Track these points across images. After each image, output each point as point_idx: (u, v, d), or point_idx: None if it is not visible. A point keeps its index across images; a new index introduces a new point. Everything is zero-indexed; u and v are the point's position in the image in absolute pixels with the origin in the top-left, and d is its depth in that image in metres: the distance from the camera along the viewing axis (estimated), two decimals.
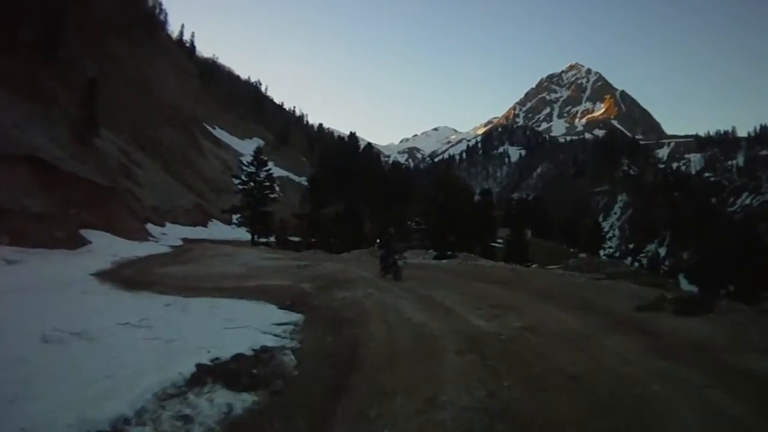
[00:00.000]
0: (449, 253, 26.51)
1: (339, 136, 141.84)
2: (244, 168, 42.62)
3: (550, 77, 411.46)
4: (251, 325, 7.36)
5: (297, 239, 44.95)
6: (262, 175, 42.27)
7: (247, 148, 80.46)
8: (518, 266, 20.81)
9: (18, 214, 20.16)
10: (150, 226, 38.60)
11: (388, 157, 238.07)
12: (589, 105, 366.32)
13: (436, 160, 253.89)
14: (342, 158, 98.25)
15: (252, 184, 41.74)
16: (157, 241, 31.06)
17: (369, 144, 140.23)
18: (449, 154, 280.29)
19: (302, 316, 8.30)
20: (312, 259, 20.55)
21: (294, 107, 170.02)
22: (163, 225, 43.83)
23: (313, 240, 44.59)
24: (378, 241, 14.75)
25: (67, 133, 37.75)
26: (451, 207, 44.67)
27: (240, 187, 42.45)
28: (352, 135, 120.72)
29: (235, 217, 43.80)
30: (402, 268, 12.83)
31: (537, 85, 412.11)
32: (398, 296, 9.76)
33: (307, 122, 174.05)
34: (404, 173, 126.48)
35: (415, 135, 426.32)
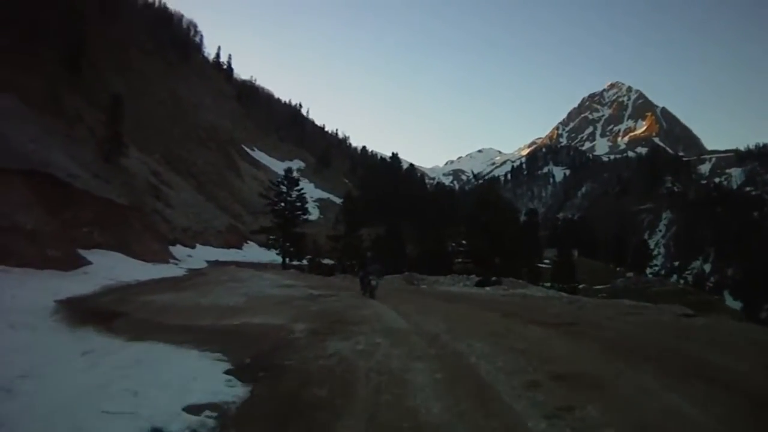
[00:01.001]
0: (494, 278, 22.96)
1: (381, 157, 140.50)
2: (274, 187, 40.33)
3: (592, 96, 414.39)
4: (144, 412, 4.35)
5: (331, 262, 42.08)
6: (294, 194, 39.87)
7: (287, 170, 79.42)
8: (579, 299, 17.06)
9: (7, 231, 18.12)
10: (176, 248, 36.92)
11: (433, 179, 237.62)
12: (630, 123, 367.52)
13: (480, 181, 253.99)
14: (384, 179, 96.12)
15: (283, 204, 39.36)
16: (177, 264, 28.98)
17: (411, 165, 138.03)
18: (494, 175, 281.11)
19: (249, 391, 5.22)
20: (334, 287, 17.63)
21: (336, 130, 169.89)
22: (192, 247, 42.18)
23: (349, 263, 41.62)
24: (359, 264, 15.44)
25: (91, 152, 37.06)
26: (494, 227, 40.94)
27: (270, 207, 40.08)
28: (394, 156, 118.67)
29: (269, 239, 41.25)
30: (375, 288, 14.26)
31: (579, 105, 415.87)
32: (412, 353, 6.63)
33: (350, 145, 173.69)
34: (448, 194, 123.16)
35: (460, 157, 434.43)
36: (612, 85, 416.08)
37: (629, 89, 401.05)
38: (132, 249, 26.71)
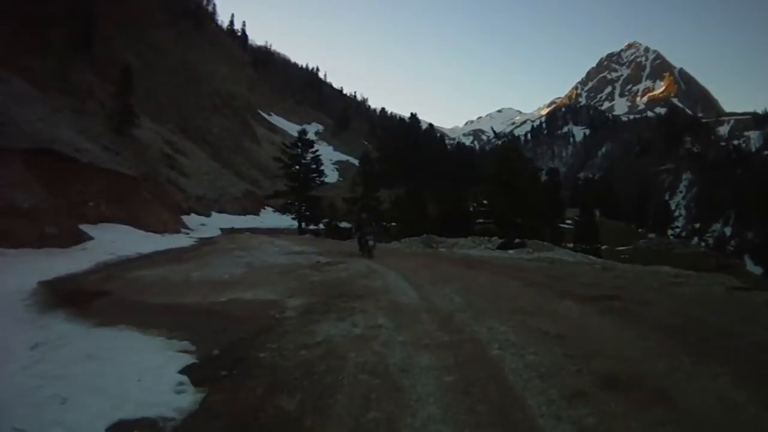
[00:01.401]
0: (517, 240, 21.33)
1: (400, 117, 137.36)
2: (288, 150, 38.87)
3: (610, 56, 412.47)
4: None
5: (348, 226, 40.80)
6: (309, 156, 38.38)
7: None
8: (613, 265, 15.44)
9: (2, 212, 17.21)
10: (191, 217, 36.17)
11: (453, 140, 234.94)
12: (649, 83, 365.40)
13: (503, 139, 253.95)
14: (403, 140, 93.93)
15: (297, 167, 37.95)
16: (188, 234, 28.14)
17: (431, 125, 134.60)
18: (515, 135, 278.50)
19: (200, 400, 3.95)
20: (345, 253, 16.35)
21: (354, 92, 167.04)
22: (208, 215, 41.45)
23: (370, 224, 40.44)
24: (354, 226, 16.17)
25: (102, 125, 36.12)
26: (516, 185, 38.96)
27: (284, 171, 38.72)
28: (413, 116, 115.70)
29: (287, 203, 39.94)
30: (373, 247, 14.86)
31: (597, 64, 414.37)
32: (419, 341, 5.34)
33: (369, 107, 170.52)
34: (469, 154, 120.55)
35: (480, 117, 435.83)
36: (629, 45, 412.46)
37: (647, 49, 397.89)
38: (141, 221, 25.88)
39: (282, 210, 39.16)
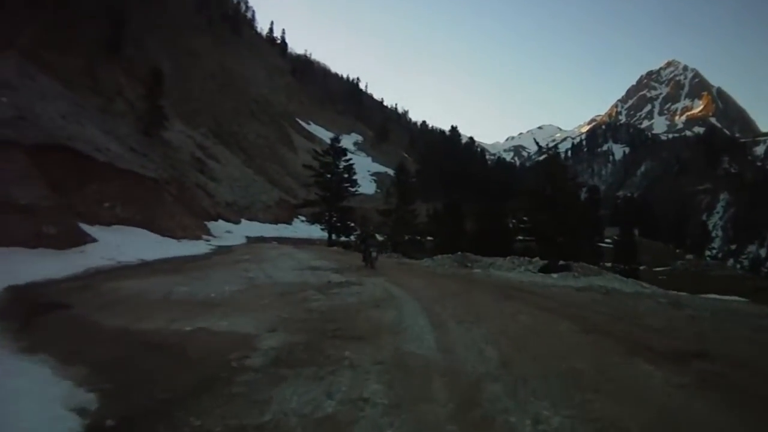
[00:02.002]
0: (561, 263, 18.58)
1: (440, 130, 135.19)
2: (320, 157, 37.13)
3: (649, 74, 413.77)
4: None
5: (381, 238, 38.56)
6: (341, 165, 36.53)
7: (344, 143, 76.91)
8: (677, 297, 12.74)
9: None
10: (218, 224, 34.85)
11: (494, 155, 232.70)
12: (687, 102, 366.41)
13: (541, 158, 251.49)
14: (442, 152, 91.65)
15: (329, 175, 36.12)
16: (209, 241, 26.58)
17: (471, 138, 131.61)
18: (555, 152, 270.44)
19: None
20: (365, 272, 14.05)
21: (396, 105, 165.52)
22: (237, 222, 40.16)
23: (403, 238, 38.02)
24: (359, 238, 16.87)
25: (129, 126, 35.42)
26: (559, 202, 35.89)
27: (314, 179, 36.96)
28: (454, 129, 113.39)
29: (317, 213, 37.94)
30: (376, 259, 15.50)
31: (637, 82, 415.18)
32: None
33: (410, 120, 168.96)
34: (509, 169, 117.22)
35: (521, 133, 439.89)
36: (668, 63, 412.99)
37: (685, 68, 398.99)
38: (160, 225, 24.47)
39: (312, 220, 37.21)
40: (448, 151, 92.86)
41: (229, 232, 33.44)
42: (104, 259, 15.74)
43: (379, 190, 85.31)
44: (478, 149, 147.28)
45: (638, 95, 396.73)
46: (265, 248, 21.99)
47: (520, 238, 39.18)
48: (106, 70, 39.79)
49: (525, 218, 41.52)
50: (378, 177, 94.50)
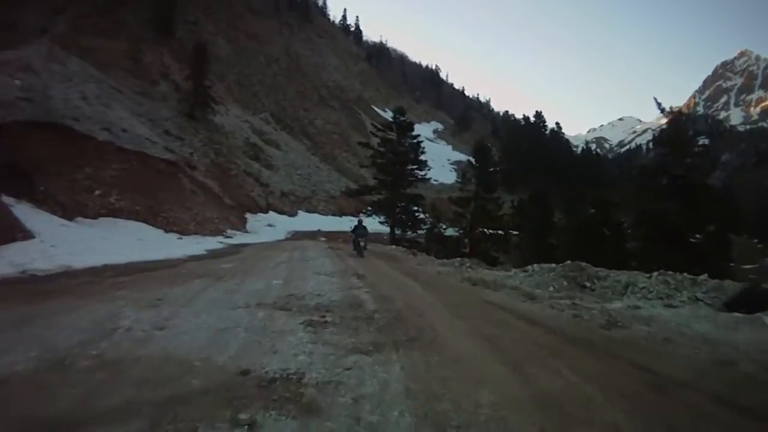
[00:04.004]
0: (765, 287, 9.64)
1: (524, 115, 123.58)
2: (380, 133, 29.90)
3: (724, 64, 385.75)
4: None
5: (456, 232, 30.49)
6: (406, 143, 29.07)
7: (423, 131, 69.84)
8: None
9: None
10: (265, 216, 29.19)
11: (576, 146, 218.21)
12: (761, 93, 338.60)
13: (623, 149, 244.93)
14: (527, 140, 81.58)
15: (391, 155, 28.75)
16: (231, 237, 20.57)
17: (557, 124, 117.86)
18: (636, 143, 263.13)
19: None
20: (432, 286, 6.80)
21: (477, 94, 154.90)
22: (293, 214, 34.31)
23: (483, 234, 29.86)
24: (352, 228, 16.31)
25: (171, 108, 30.74)
26: (691, 183, 25.32)
27: (372, 160, 29.80)
28: (538, 114, 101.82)
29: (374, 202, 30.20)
30: (365, 248, 15.54)
31: (713, 73, 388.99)
32: None
33: (492, 109, 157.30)
34: (597, 159, 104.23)
35: (602, 125, 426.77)
36: (741, 54, 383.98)
37: (758, 58, 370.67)
38: (165, 217, 18.68)
39: (370, 210, 29.62)
40: (533, 138, 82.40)
41: (270, 225, 27.32)
42: (11, 266, 9.72)
43: (459, 180, 77.14)
44: (564, 138, 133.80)
45: (714, 86, 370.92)
46: (286, 252, 15.36)
47: (635, 238, 28.97)
48: (153, 52, 35.75)
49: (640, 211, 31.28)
50: (459, 166, 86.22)
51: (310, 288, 8.12)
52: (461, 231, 29.57)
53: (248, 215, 28.09)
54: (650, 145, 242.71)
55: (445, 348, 4.37)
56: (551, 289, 10.14)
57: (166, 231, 18.05)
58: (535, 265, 12.53)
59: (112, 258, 12.11)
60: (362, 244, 15.39)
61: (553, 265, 12.17)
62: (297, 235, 25.37)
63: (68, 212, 16.25)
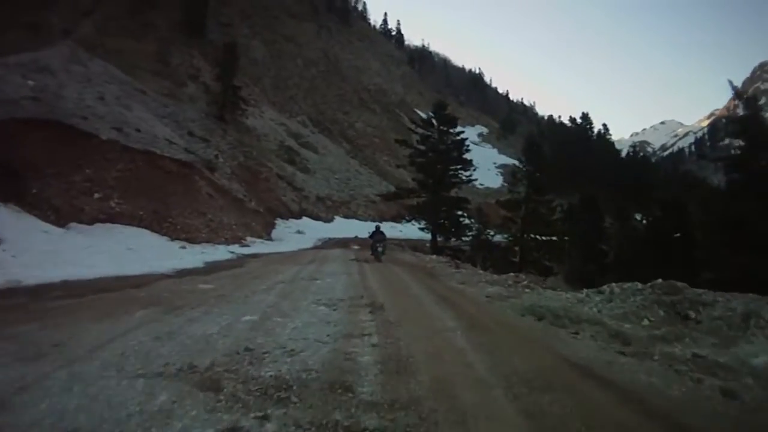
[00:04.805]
0: None
1: (571, 117, 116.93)
2: (420, 128, 26.55)
3: (762, 65, 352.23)
4: None
5: (504, 239, 26.67)
6: (449, 140, 25.60)
7: (467, 134, 66.01)
8: None
9: None
10: (298, 221, 26.62)
11: (620, 150, 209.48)
12: None
13: (665, 153, 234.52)
14: (574, 143, 76.37)
15: (432, 154, 25.31)
16: (248, 246, 17.80)
17: (605, 126, 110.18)
18: (678, 147, 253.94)
19: None
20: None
21: (521, 99, 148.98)
22: (328, 220, 31.71)
23: (534, 241, 25.93)
24: (370, 233, 16.23)
25: (199, 110, 28.74)
26: None
27: (410, 159, 26.48)
28: (585, 116, 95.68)
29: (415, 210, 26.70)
30: (382, 253, 15.31)
31: (751, 74, 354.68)
32: None
33: (536, 113, 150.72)
34: (644, 163, 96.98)
35: (644, 129, 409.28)
36: None
37: None
38: (173, 223, 16.21)
39: (410, 215, 26.21)
40: (580, 140, 77.16)
41: (300, 232, 24.48)
42: None
43: (505, 184, 72.97)
44: (611, 141, 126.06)
45: (753, 87, 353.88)
46: (289, 264, 12.33)
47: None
48: (182, 54, 34.04)
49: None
50: (504, 170, 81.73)
51: (289, 333, 4.99)
52: (510, 238, 25.78)
53: (278, 221, 25.44)
54: (692, 148, 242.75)
55: None
56: (645, 322, 6.66)
57: (172, 238, 15.44)
58: (614, 285, 8.88)
59: (81, 271, 9.60)
60: (380, 249, 15.34)
61: (638, 284, 8.50)
62: (328, 243, 22.40)
63: (62, 217, 13.94)
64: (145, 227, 15.35)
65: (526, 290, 10.04)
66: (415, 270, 12.71)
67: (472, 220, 29.53)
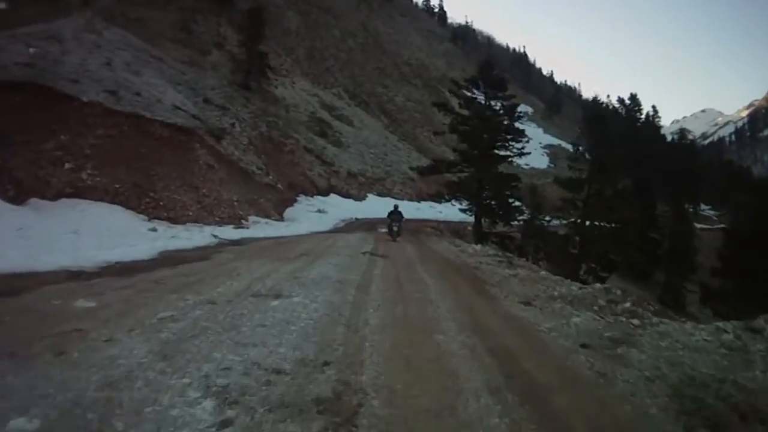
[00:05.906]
0: None
1: (619, 97, 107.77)
2: (462, 90, 21.92)
3: None
4: None
5: (563, 224, 21.74)
6: (497, 105, 20.87)
7: None
8: None
9: None
10: (325, 199, 23.00)
11: (664, 136, 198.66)
12: None
13: (706, 142, 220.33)
14: (621, 125, 69.09)
15: (477, 120, 20.63)
16: (248, 228, 14.69)
17: (654, 107, 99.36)
18: (719, 136, 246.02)
19: None
20: None
21: (566, 80, 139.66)
22: (360, 198, 28.10)
23: (599, 230, 20.88)
24: (388, 213, 15.46)
25: (221, 78, 25.44)
26: None
27: (451, 126, 21.89)
28: (633, 97, 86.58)
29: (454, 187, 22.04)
30: (398, 233, 14.81)
31: None
32: None
33: (581, 95, 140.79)
34: (692, 147, 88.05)
35: (685, 117, 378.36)
36: None
37: None
38: (155, 199, 12.85)
39: (449, 194, 21.74)
40: (626, 122, 70.04)
41: (321, 211, 20.60)
42: None
43: (552, 165, 66.83)
44: (659, 125, 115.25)
45: None
46: (262, 260, 8.29)
47: None
48: (209, 22, 31.10)
49: None
50: (551, 150, 75.25)
51: None
52: (570, 225, 20.93)
53: (300, 198, 21.79)
54: (732, 138, 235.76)
55: None
56: None
57: (150, 218, 11.98)
58: None
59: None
60: (395, 228, 14.88)
61: None
62: (351, 225, 18.52)
63: (23, 192, 11.33)
64: (120, 203, 11.94)
65: (632, 321, 5.61)
66: (451, 273, 8.39)
67: (522, 203, 24.81)
